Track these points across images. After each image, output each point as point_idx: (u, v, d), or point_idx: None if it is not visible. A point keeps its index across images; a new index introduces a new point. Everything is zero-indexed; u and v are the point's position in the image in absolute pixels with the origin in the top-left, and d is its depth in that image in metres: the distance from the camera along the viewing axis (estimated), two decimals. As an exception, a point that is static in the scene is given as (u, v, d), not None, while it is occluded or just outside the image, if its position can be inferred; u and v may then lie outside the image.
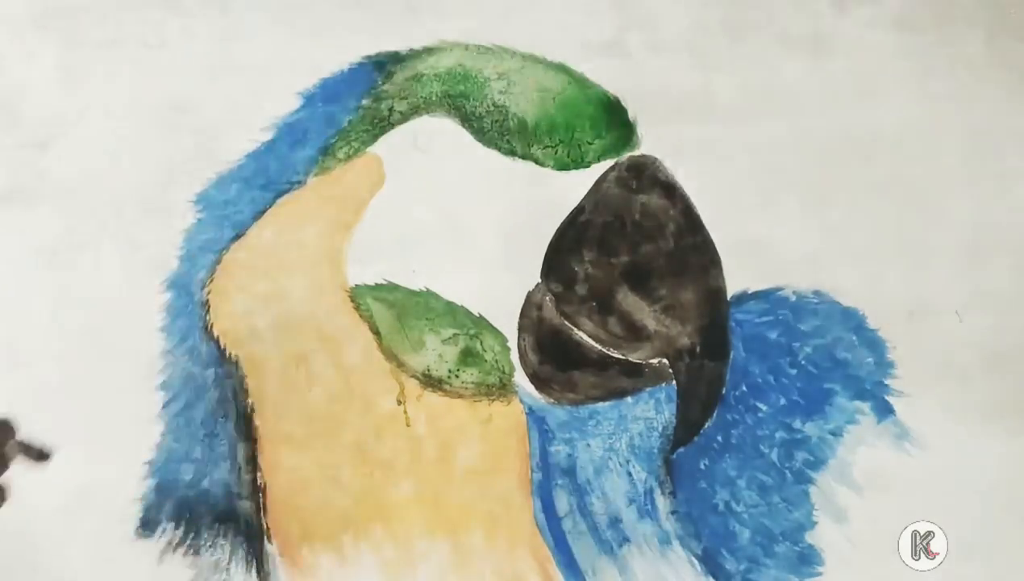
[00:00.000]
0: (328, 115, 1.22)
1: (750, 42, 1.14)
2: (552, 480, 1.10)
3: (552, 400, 1.12)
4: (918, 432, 1.04)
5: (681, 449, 1.08)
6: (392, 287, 1.15)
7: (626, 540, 1.08)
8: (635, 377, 1.10)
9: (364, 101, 1.21)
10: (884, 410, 1.05)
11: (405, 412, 1.12)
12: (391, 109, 1.20)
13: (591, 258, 1.12)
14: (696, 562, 1.06)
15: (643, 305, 1.10)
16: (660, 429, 1.09)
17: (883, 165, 1.10)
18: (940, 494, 1.02)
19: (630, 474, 1.09)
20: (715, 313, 1.09)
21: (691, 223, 1.11)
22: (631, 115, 1.15)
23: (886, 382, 1.06)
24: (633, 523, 1.08)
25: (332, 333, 1.15)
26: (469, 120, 1.18)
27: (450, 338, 1.13)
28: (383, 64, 1.23)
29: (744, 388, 1.08)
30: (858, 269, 1.08)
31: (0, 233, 1.19)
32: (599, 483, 1.09)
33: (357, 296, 1.16)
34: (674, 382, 1.09)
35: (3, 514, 1.10)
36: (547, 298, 1.13)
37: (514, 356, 1.12)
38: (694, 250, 1.11)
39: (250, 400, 1.13)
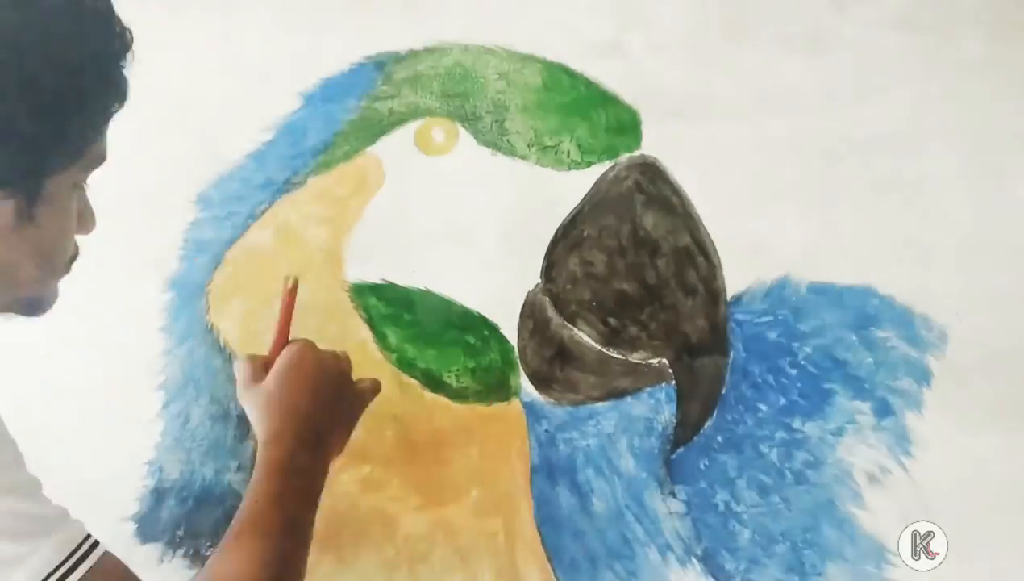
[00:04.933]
0: (328, 115, 1.22)
1: (750, 42, 1.14)
2: (552, 480, 1.10)
3: (552, 400, 1.12)
4: (918, 432, 1.04)
5: (681, 449, 1.08)
6: (392, 287, 1.15)
7: (626, 540, 1.08)
8: (635, 377, 1.10)
9: (364, 101, 1.21)
10: (884, 410, 1.05)
11: (405, 412, 1.12)
12: (391, 109, 1.20)
13: (591, 258, 1.12)
14: (696, 562, 1.06)
15: (643, 305, 1.10)
16: (660, 429, 1.09)
17: (883, 165, 1.10)
18: (940, 494, 1.02)
19: (630, 474, 1.09)
20: (715, 313, 1.09)
21: (691, 223, 1.11)
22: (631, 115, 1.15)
23: (886, 382, 1.06)
24: (633, 523, 1.08)
25: (332, 333, 1.15)
26: (469, 120, 1.18)
27: (450, 338, 1.13)
28: (383, 64, 1.23)
29: (744, 388, 1.08)
30: (858, 269, 1.08)
31: (0, 233, 1.19)
32: (599, 483, 1.09)
33: (357, 296, 1.16)
34: (674, 382, 1.09)
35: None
36: (547, 298, 1.13)
37: (514, 356, 1.12)
38: (694, 250, 1.11)
39: (250, 400, 1.13)
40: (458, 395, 1.12)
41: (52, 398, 1.14)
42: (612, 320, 1.11)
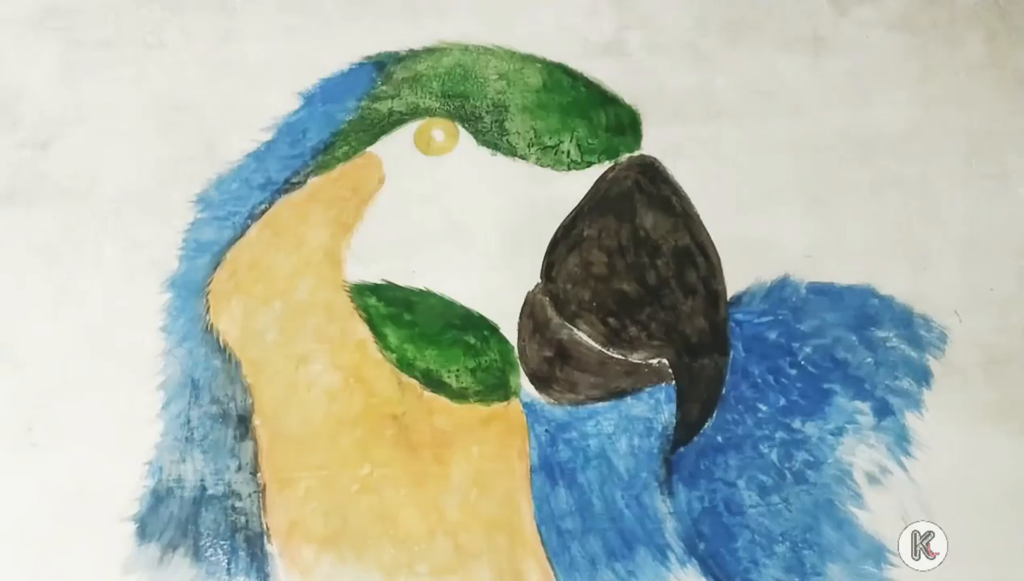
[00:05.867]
0: (328, 115, 1.22)
1: (750, 42, 1.14)
2: (552, 480, 1.10)
3: (552, 400, 1.12)
4: (918, 432, 1.04)
5: (681, 449, 1.08)
6: (392, 287, 1.15)
7: (626, 540, 1.08)
8: (635, 377, 1.10)
9: (364, 101, 1.21)
10: (884, 410, 1.05)
11: (405, 413, 1.12)
12: (391, 109, 1.20)
13: (591, 258, 1.12)
14: (696, 562, 1.06)
15: (643, 305, 1.10)
16: (660, 429, 1.09)
17: (883, 165, 1.10)
18: (940, 494, 1.02)
19: (630, 474, 1.09)
20: (714, 313, 1.09)
21: (691, 223, 1.11)
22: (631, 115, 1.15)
23: (886, 382, 1.06)
24: (633, 523, 1.08)
25: (332, 333, 1.15)
26: (469, 120, 1.18)
27: (450, 338, 1.13)
28: (383, 64, 1.23)
29: (744, 388, 1.08)
30: (858, 270, 1.08)
31: (0, 233, 1.19)
32: (599, 483, 1.09)
33: (357, 296, 1.16)
34: (674, 382, 1.09)
35: (1, 514, 1.10)
36: (547, 298, 1.13)
37: (514, 356, 1.12)
38: (693, 250, 1.11)
39: (250, 400, 1.13)
40: (458, 395, 1.12)
41: (52, 398, 1.14)
42: (612, 320, 1.11)
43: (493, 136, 1.17)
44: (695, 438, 1.08)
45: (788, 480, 1.05)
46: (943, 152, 1.08)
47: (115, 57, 1.24)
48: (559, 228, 1.14)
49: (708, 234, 1.11)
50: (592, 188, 1.14)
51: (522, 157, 1.16)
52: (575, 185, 1.14)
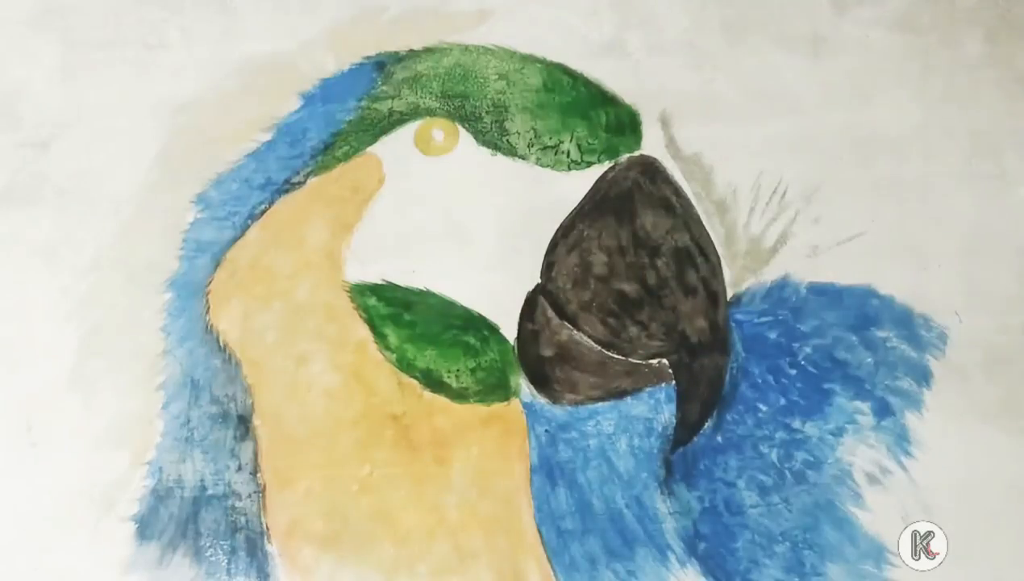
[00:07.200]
0: (328, 115, 1.22)
1: (750, 42, 1.14)
2: (552, 480, 1.10)
3: (552, 400, 1.12)
4: (918, 432, 1.04)
5: (681, 449, 1.08)
6: (392, 287, 1.15)
7: (626, 540, 1.08)
8: (635, 377, 1.10)
9: (364, 101, 1.21)
10: (884, 410, 1.05)
11: (405, 412, 1.13)
12: (391, 109, 1.20)
13: (591, 258, 1.12)
14: (696, 562, 1.06)
15: (643, 305, 1.10)
16: (660, 429, 1.09)
17: (883, 165, 1.10)
18: (940, 494, 1.02)
19: (630, 474, 1.09)
20: (715, 313, 1.09)
21: (691, 223, 1.11)
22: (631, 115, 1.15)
23: (886, 382, 1.06)
24: (633, 523, 1.08)
25: (332, 333, 1.15)
26: (469, 120, 1.18)
27: (450, 338, 1.13)
28: (383, 64, 1.23)
29: (744, 388, 1.08)
30: (858, 269, 1.08)
31: (0, 233, 1.19)
32: (599, 483, 1.09)
33: (357, 296, 1.16)
34: (674, 382, 1.09)
35: (1, 514, 1.10)
36: (546, 298, 1.13)
37: (514, 356, 1.12)
38: (694, 250, 1.11)
39: (250, 400, 1.13)
40: (458, 395, 1.12)
41: (52, 398, 1.14)
42: (612, 320, 1.11)
43: (493, 136, 1.17)
44: (695, 438, 1.08)
45: (788, 480, 1.05)
46: (943, 152, 1.08)
47: (115, 57, 1.24)
48: (559, 228, 1.14)
49: (708, 233, 1.11)
50: (592, 188, 1.14)
51: (522, 157, 1.16)
52: (575, 185, 1.14)
